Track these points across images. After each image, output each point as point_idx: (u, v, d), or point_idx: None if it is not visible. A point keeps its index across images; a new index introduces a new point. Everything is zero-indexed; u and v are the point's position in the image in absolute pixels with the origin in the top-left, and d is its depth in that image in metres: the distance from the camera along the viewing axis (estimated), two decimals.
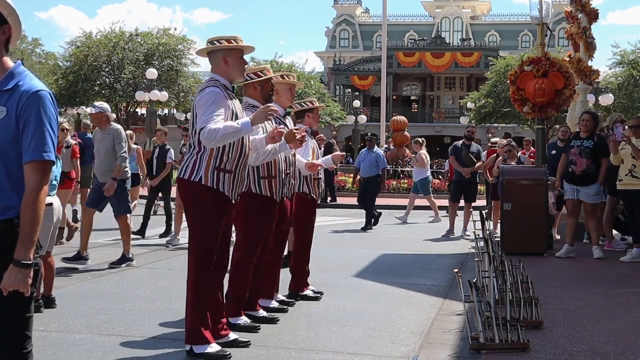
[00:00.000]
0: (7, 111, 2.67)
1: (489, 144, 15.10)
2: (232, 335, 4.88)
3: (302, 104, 6.66)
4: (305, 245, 6.71)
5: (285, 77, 5.92)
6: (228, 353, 4.62)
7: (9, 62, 2.77)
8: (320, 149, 14.45)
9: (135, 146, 12.43)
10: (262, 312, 5.66)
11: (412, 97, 57.63)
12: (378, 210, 14.32)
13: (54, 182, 6.14)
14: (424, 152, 15.58)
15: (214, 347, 4.61)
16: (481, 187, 17.50)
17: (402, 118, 26.01)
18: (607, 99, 29.96)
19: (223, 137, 4.41)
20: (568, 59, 11.91)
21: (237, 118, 4.60)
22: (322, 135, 21.76)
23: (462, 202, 12.79)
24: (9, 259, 2.60)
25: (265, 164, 5.38)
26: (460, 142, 12.73)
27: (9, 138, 2.67)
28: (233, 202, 4.73)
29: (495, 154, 12.52)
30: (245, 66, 4.92)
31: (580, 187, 9.24)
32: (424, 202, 15.93)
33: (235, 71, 4.70)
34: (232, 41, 4.68)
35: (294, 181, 5.90)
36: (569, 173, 9.33)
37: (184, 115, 45.55)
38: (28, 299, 2.69)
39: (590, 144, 9.21)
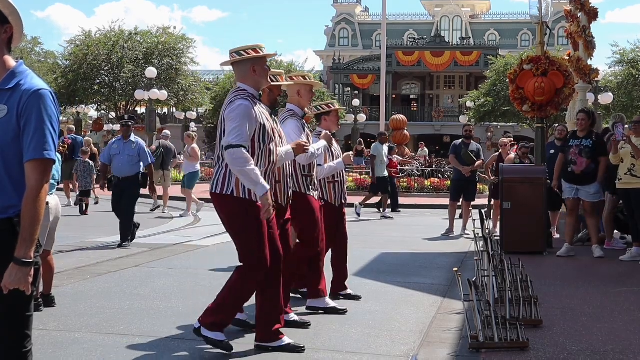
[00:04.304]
0: (8, 110, 2.68)
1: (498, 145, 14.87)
2: (286, 340, 4.87)
3: (319, 107, 6.52)
4: (333, 249, 6.66)
5: (307, 77, 5.85)
6: (229, 343, 4.72)
7: (10, 61, 2.78)
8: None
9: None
10: (293, 316, 5.56)
11: (412, 96, 57.60)
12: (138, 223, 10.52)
13: (52, 181, 6.15)
14: (195, 146, 15.37)
15: (218, 336, 4.71)
16: (482, 186, 17.50)
17: (402, 117, 26.14)
18: (606, 98, 29.97)
19: (242, 175, 4.51)
20: (567, 57, 11.89)
21: (264, 130, 4.68)
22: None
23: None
24: (9, 257, 2.61)
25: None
26: (460, 140, 12.74)
27: (9, 137, 2.67)
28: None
29: (497, 154, 12.51)
30: None
31: (580, 187, 9.25)
32: (423, 201, 15.92)
33: (263, 78, 4.81)
34: (259, 50, 4.78)
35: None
36: (568, 172, 9.32)
37: (184, 114, 45.54)
38: (28, 298, 2.69)
39: (589, 143, 9.22)
